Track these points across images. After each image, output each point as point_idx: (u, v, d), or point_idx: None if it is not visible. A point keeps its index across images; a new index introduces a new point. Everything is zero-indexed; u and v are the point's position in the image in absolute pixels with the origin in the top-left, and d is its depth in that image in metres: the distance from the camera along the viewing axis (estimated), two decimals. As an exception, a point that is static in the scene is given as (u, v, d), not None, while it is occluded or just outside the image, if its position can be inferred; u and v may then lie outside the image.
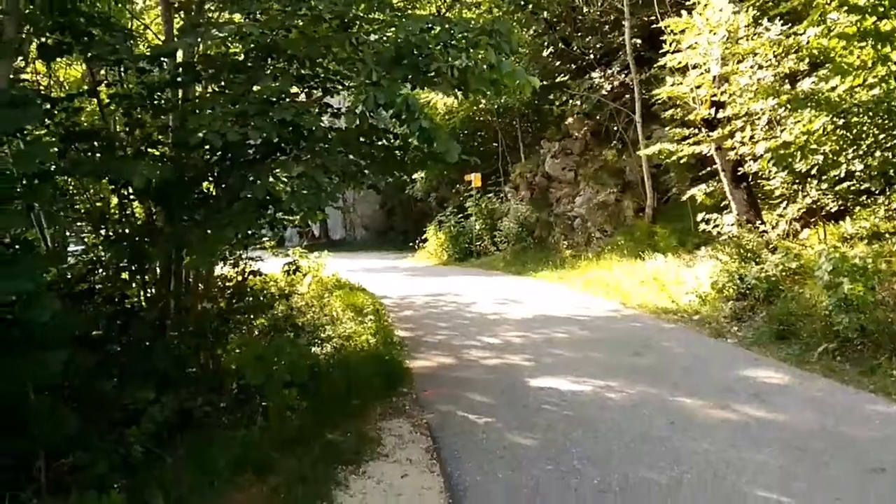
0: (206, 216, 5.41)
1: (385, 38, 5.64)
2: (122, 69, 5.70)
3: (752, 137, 9.66)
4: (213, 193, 5.86)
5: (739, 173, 10.76)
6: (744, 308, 9.19)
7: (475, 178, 20.60)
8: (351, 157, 5.74)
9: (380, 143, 5.94)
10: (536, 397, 6.31)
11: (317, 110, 5.69)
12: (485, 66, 4.97)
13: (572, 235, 17.88)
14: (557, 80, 18.29)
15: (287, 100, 5.24)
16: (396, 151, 5.83)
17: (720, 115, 10.41)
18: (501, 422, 5.67)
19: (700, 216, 11.81)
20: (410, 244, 24.13)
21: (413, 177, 23.19)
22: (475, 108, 21.90)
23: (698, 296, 10.18)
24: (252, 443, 4.98)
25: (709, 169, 12.65)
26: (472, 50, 5.06)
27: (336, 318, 10.14)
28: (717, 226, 11.36)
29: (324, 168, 5.09)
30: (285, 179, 5.40)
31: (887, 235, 8.53)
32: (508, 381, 6.95)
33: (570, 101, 18.66)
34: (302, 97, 6.04)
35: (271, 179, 5.27)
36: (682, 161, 13.20)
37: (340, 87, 5.88)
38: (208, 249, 4.91)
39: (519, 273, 16.55)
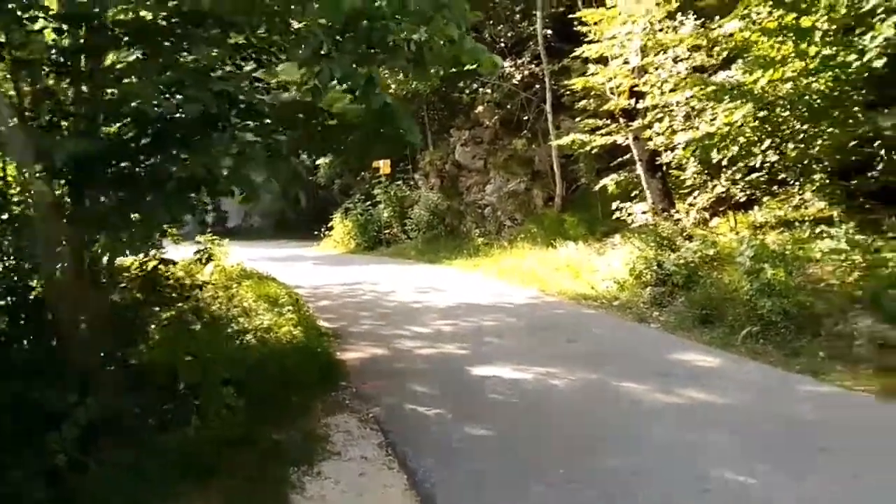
0: (130, 197, 4.88)
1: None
2: (25, 33, 5.01)
3: (670, 128, 9.95)
4: (135, 171, 5.29)
5: (657, 163, 11.08)
6: (663, 294, 9.46)
7: (384, 165, 20.24)
8: (286, 134, 5.34)
9: (320, 119, 5.57)
10: (481, 386, 6.17)
11: (248, 83, 5.24)
12: (443, 42, 4.73)
13: (483, 224, 17.96)
14: (467, 67, 18.21)
15: (221, 71, 4.79)
16: (342, 131, 5.48)
17: (639, 105, 10.65)
18: (452, 413, 5.50)
19: (614, 205, 12.09)
20: (315, 232, 23.44)
21: (316, 163, 22.58)
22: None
23: (617, 282, 10.41)
24: (189, 445, 4.54)
25: (620, 159, 12.96)
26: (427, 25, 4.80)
27: (250, 310, 9.59)
28: (630, 214, 11.68)
29: (267, 146, 4.69)
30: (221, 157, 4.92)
31: (797, 224, 9.00)
32: (449, 370, 6.79)
33: (481, 90, 18.68)
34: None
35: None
36: (593, 151, 13.48)
37: (279, 60, 5.44)
38: (140, 234, 4.41)
39: (432, 261, 16.42)
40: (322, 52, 4.56)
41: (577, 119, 15.24)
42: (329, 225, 22.72)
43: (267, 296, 10.63)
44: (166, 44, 4.90)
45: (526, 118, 17.83)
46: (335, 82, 4.39)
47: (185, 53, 4.87)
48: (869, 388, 5.82)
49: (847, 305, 7.03)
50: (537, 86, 17.20)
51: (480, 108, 19.17)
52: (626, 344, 7.76)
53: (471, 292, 11.40)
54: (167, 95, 4.54)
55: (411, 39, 4.63)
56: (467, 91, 19.20)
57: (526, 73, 17.37)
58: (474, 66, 5.03)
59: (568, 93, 14.88)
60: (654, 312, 9.17)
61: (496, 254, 15.53)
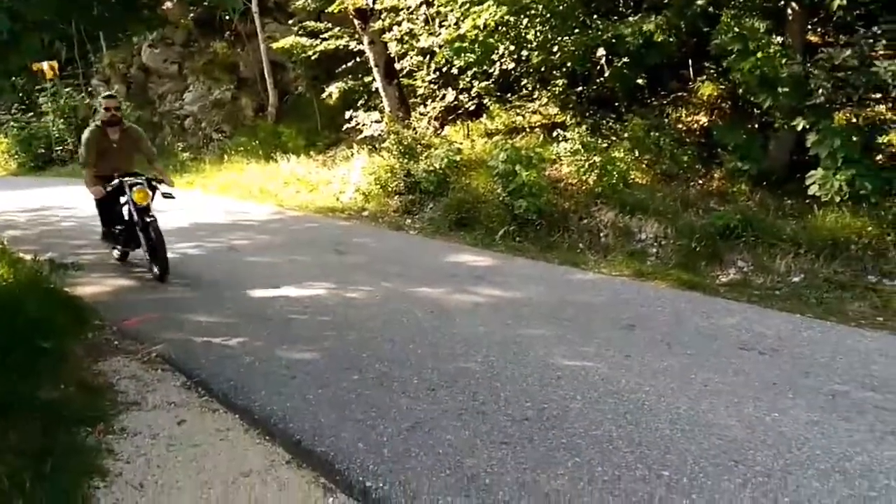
0: None
1: None
2: None
3: (410, 32, 9.77)
4: None
5: (397, 69, 10.88)
6: (413, 202, 9.53)
7: (48, 68, 16.80)
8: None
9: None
10: (275, 309, 5.53)
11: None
12: None
13: (185, 136, 16.15)
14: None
15: None
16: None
17: (376, 6, 10.24)
18: (259, 340, 4.82)
19: (347, 114, 11.69)
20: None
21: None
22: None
23: (362, 193, 10.22)
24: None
25: (345, 66, 12.52)
26: None
27: None
28: (364, 124, 11.41)
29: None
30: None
31: (526, 129, 9.64)
32: (226, 295, 5.96)
33: (170, -17, 16.34)
34: None
35: None
36: (313, 57, 12.84)
37: None
38: None
39: (131, 180, 14.32)
40: None
41: (291, 21, 14.34)
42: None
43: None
44: None
45: (228, 18, 16.17)
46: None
47: None
48: (623, 272, 6.58)
49: (590, 201, 7.80)
50: (239, -18, 15.61)
51: (169, 5, 16.79)
52: (396, 251, 7.66)
53: (200, 211, 10.20)
54: None
55: None
56: (151, -17, 16.64)
57: (223, -34, 15.61)
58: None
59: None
60: (407, 220, 9.23)
61: (208, 169, 14.16)
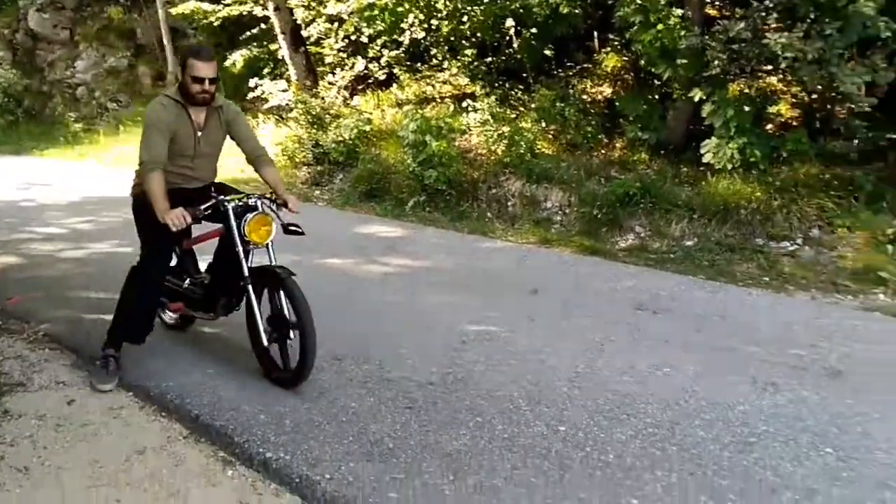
0: None
1: None
2: None
3: (318, -1, 9.51)
4: None
5: (304, 36, 10.55)
6: (321, 173, 9.36)
7: (-81, 31, 15.40)
8: None
9: None
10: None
11: None
12: None
13: (78, 107, 15.19)
14: None
15: None
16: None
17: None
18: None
19: (252, 82, 11.28)
20: None
21: None
22: None
23: (268, 164, 9.92)
24: None
25: (249, 33, 12.09)
26: None
27: None
28: (270, 93, 11.05)
29: None
30: None
31: (437, 99, 9.60)
32: (121, 272, 5.66)
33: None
34: None
35: None
36: (216, 24, 12.34)
37: None
38: None
39: (18, 152, 13.44)
40: None
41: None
42: None
43: None
44: None
45: (122, -19, 15.26)
46: None
47: None
48: (529, 239, 6.71)
49: (498, 171, 7.88)
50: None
51: (57, -35, 15.72)
52: (304, 223, 7.42)
53: (93, 184, 9.70)
54: None
55: None
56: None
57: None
58: None
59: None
60: (315, 191, 9.07)
61: (103, 140, 13.43)
